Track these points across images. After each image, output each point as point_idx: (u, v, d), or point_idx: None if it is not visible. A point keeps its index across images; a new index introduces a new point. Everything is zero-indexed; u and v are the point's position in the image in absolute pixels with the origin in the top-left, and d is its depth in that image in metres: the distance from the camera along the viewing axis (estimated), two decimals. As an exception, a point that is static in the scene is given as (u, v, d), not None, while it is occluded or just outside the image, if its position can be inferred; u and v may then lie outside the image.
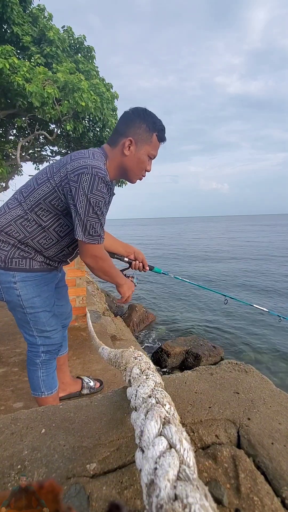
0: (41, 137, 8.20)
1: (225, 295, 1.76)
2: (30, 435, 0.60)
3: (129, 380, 0.57)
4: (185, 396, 0.72)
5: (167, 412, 0.40)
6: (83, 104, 5.54)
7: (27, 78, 5.28)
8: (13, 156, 8.14)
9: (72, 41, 7.05)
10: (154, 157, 1.08)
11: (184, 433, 0.35)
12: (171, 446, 0.32)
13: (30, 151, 8.94)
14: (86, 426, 0.62)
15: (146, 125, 1.01)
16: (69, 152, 8.10)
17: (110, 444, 0.57)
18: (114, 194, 1.11)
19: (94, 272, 1.08)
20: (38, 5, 6.38)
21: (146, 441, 0.34)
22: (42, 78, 5.27)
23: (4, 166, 7.10)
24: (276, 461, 0.53)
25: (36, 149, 9.02)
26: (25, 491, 0.34)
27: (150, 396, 0.46)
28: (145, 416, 0.39)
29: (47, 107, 5.46)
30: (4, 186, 8.80)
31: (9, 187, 8.94)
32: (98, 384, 1.59)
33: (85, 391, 1.53)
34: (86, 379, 1.56)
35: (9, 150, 8.42)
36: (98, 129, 7.47)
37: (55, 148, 8.88)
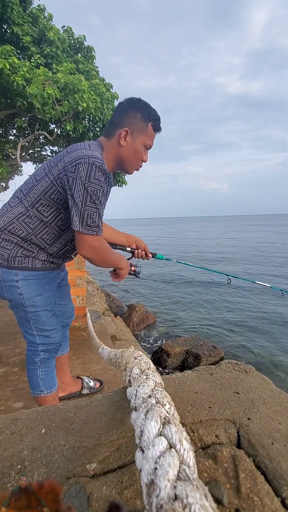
0: (41, 137, 8.20)
1: (228, 275, 1.74)
2: (30, 435, 0.60)
3: (129, 380, 0.57)
4: (185, 396, 0.72)
5: (167, 412, 0.40)
6: (84, 105, 5.55)
7: (27, 78, 5.28)
8: (13, 156, 8.14)
9: (72, 41, 7.06)
10: (150, 147, 1.08)
11: (184, 433, 0.35)
12: (171, 446, 0.32)
13: (30, 151, 8.94)
14: (86, 426, 0.62)
15: (141, 114, 1.00)
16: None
17: (110, 444, 0.57)
18: (112, 185, 1.10)
19: (94, 263, 1.04)
20: (38, 5, 6.39)
21: (146, 441, 0.34)
22: (42, 79, 5.27)
23: (4, 166, 7.11)
24: (276, 461, 0.53)
25: (36, 149, 9.02)
26: (25, 491, 0.34)
27: (150, 396, 0.46)
28: (145, 416, 0.39)
29: (47, 107, 5.47)
30: (4, 186, 8.80)
31: (9, 187, 8.95)
32: (98, 384, 1.59)
33: (85, 391, 1.53)
34: (86, 379, 1.56)
35: (9, 150, 8.43)
36: (98, 129, 7.48)
37: (55, 148, 8.88)
